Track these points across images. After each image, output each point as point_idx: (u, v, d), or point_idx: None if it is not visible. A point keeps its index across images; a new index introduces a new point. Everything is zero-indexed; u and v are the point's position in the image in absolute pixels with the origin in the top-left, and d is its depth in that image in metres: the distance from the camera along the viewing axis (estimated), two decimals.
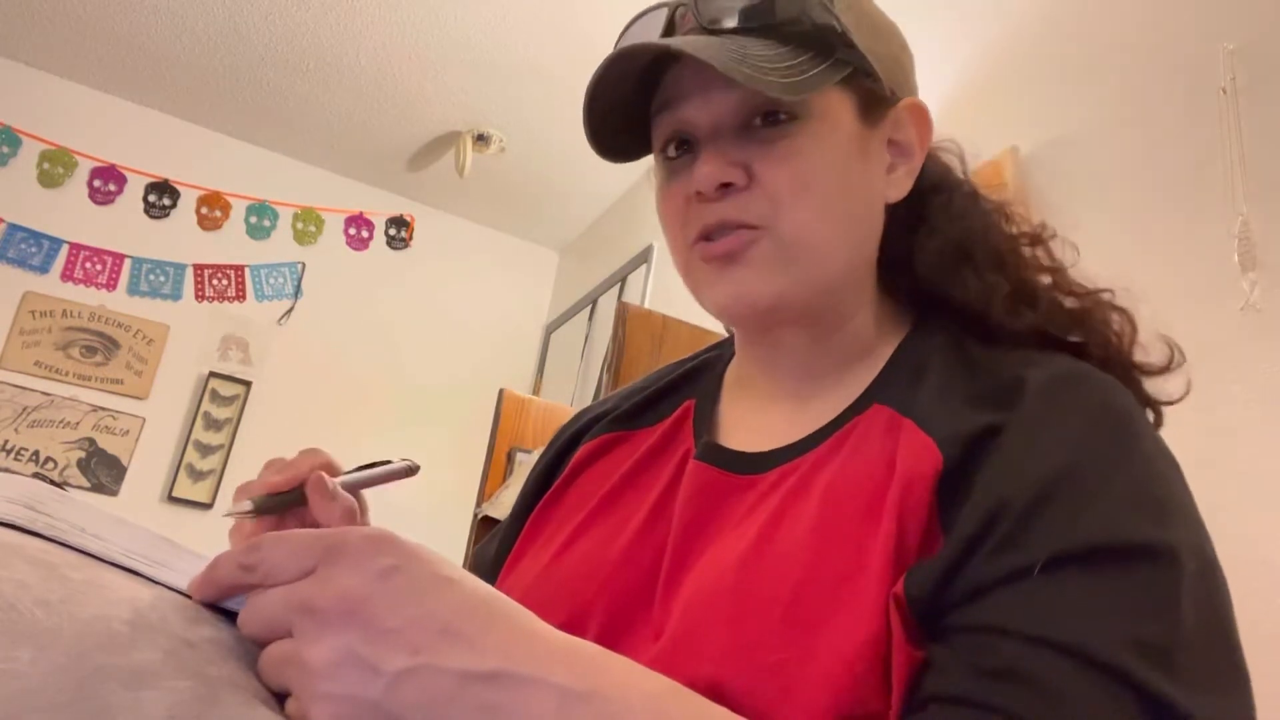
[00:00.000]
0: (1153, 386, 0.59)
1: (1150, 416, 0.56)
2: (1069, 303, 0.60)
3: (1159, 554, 0.42)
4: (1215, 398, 1.19)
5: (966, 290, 0.60)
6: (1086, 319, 0.60)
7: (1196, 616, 0.41)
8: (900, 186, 0.61)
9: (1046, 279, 0.61)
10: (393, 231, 3.65)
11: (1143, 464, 0.46)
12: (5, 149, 3.10)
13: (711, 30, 0.56)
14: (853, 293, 0.60)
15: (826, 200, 0.56)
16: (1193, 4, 1.41)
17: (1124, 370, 0.59)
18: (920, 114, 0.62)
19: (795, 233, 0.55)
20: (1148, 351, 0.60)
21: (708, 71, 0.53)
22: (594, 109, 0.58)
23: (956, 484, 0.47)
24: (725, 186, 0.55)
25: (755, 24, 0.55)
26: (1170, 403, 0.59)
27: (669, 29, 0.58)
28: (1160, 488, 0.46)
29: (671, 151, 0.59)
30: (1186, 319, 1.25)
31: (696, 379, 0.70)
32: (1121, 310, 0.60)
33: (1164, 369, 0.60)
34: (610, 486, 0.63)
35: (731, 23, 0.55)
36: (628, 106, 0.59)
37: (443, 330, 3.64)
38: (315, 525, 0.59)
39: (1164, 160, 1.37)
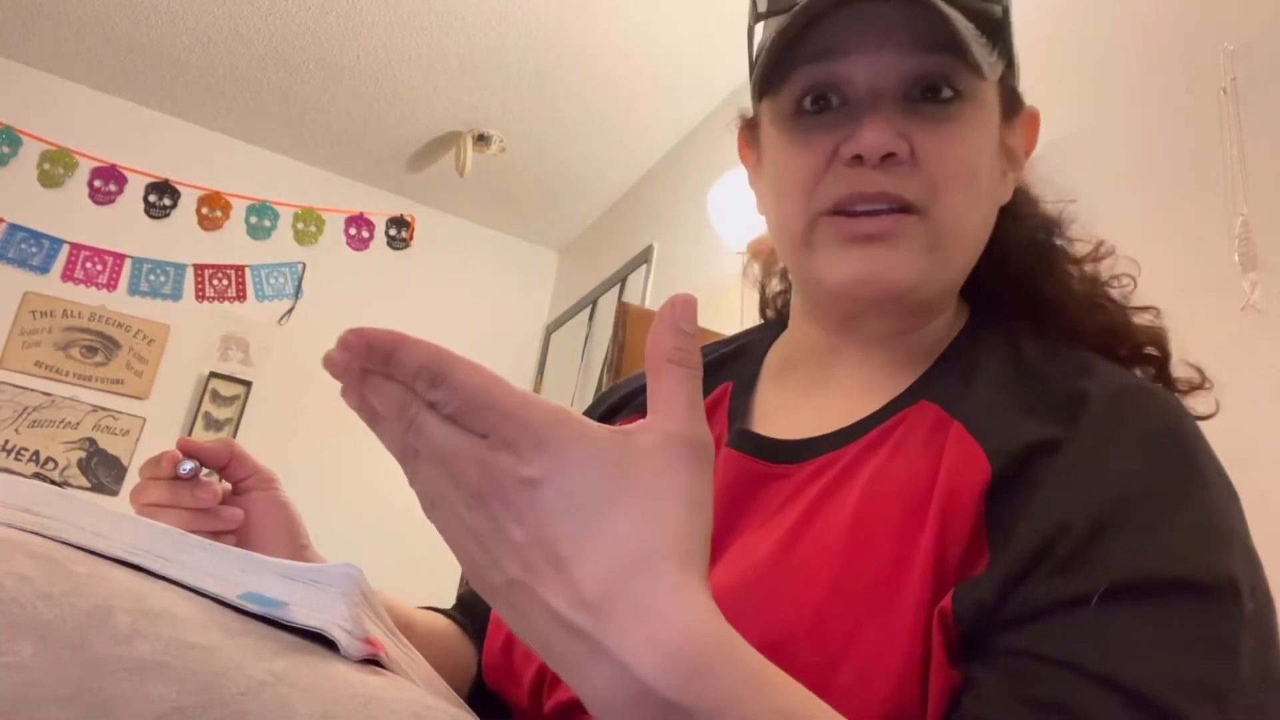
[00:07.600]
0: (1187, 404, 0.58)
1: None
2: (1120, 315, 0.59)
3: (1219, 591, 0.40)
4: (1215, 398, 1.19)
5: (1055, 279, 0.58)
6: (1135, 330, 0.59)
7: (1253, 657, 0.39)
8: (1008, 193, 0.59)
9: (1105, 288, 0.60)
10: (393, 232, 3.65)
11: (1205, 494, 0.44)
12: (5, 149, 3.09)
13: None
14: (955, 291, 0.58)
15: (979, 192, 0.54)
16: (1193, 4, 1.40)
17: (1168, 385, 0.58)
18: (1035, 124, 0.60)
19: (949, 220, 0.52)
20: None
21: (887, 27, 0.50)
22: (782, 39, 0.51)
23: (1006, 497, 0.45)
24: (888, 157, 0.51)
25: None
26: (1206, 417, 0.57)
27: None
28: (1222, 520, 0.44)
29: (809, 105, 0.54)
30: (1187, 319, 1.25)
31: (735, 361, 0.67)
32: (1160, 329, 0.60)
33: (1198, 386, 0.59)
34: None
35: None
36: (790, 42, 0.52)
37: (443, 330, 3.63)
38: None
39: (1164, 160, 1.37)
